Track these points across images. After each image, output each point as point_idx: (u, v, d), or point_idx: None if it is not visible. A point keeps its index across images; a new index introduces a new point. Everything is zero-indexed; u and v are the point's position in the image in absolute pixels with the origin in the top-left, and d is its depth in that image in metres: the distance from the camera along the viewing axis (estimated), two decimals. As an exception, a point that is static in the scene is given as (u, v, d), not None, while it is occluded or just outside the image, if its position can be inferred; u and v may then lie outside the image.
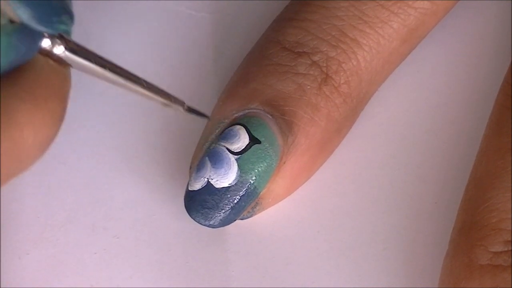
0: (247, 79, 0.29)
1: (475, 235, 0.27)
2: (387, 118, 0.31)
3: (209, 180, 0.28)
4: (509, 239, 0.26)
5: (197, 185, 0.28)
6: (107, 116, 0.32)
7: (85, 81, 0.33)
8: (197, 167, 0.28)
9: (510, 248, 0.26)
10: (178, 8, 0.33)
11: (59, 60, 0.24)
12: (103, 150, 0.32)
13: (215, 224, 0.28)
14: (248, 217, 0.29)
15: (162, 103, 0.25)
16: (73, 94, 0.32)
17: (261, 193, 0.28)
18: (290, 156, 0.29)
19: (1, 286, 0.30)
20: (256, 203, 0.29)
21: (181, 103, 0.25)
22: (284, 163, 0.29)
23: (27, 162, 0.23)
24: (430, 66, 0.32)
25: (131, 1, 0.33)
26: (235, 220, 0.28)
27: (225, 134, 0.28)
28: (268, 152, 0.28)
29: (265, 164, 0.28)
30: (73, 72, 0.33)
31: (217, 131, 0.29)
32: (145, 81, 0.24)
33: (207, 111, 0.31)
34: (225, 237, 0.30)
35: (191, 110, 0.26)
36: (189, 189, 0.28)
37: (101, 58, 0.24)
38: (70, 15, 0.23)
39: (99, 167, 0.31)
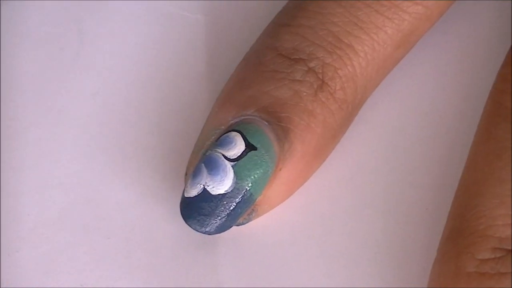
0: (243, 85, 0.29)
1: (462, 242, 0.27)
2: (380, 123, 0.31)
3: (205, 187, 0.28)
4: (496, 246, 0.27)
5: (193, 192, 0.28)
6: (100, 116, 0.32)
7: (78, 80, 0.33)
8: (193, 173, 0.28)
9: (497, 255, 0.26)
10: (172, 10, 0.33)
11: None
12: (96, 150, 0.31)
13: (211, 231, 0.28)
14: (244, 224, 0.29)
15: None
16: (66, 93, 0.32)
17: (257, 200, 0.28)
18: (286, 162, 0.29)
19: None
20: (252, 209, 0.29)
21: None
22: (280, 169, 0.29)
23: None
24: (424, 71, 0.32)
25: (125, 2, 0.33)
26: (231, 227, 0.28)
27: (221, 141, 0.28)
28: (264, 159, 0.28)
29: (261, 170, 0.28)
30: (68, 72, 0.33)
31: (213, 137, 0.29)
32: None
33: (200, 112, 0.31)
34: (216, 240, 0.30)
35: None
36: (185, 195, 0.28)
37: None
38: None
39: (91, 167, 0.31)
